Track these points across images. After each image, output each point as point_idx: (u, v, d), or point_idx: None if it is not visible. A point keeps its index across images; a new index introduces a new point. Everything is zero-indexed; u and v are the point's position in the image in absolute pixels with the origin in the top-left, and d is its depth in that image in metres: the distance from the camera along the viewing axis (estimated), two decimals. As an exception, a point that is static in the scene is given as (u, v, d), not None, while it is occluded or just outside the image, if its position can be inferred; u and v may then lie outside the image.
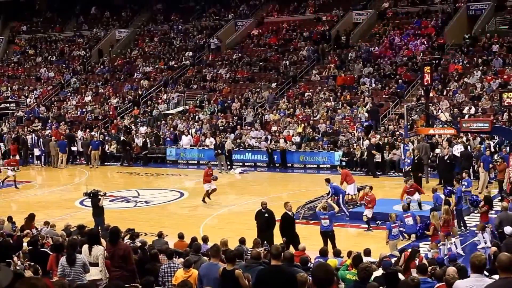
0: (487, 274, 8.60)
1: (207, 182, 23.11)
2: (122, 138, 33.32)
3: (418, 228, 17.59)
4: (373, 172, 26.95)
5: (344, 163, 27.75)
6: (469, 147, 25.36)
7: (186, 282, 8.91)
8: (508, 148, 23.86)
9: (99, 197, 18.91)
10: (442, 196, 18.52)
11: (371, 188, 19.94)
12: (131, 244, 13.07)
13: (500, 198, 20.76)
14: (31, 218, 17.20)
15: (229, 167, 29.84)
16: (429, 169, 25.42)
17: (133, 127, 35.48)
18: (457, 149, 24.83)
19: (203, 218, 21.15)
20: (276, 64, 39.26)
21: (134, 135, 33.65)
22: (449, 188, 18.99)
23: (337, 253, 13.89)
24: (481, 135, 24.72)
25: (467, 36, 36.23)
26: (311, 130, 31.23)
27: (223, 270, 9.18)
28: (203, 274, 9.62)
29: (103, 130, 35.68)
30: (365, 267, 9.07)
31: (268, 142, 30.60)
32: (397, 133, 28.83)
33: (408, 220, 17.62)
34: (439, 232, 16.10)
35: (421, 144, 25.41)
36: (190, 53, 43.02)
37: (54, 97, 43.25)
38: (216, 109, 36.07)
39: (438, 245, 15.65)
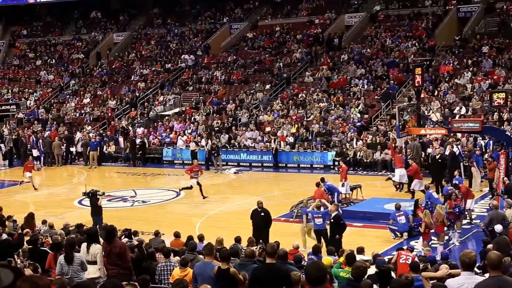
0: (478, 271, 8.86)
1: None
2: (132, 138, 33.66)
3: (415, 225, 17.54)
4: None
5: (338, 161, 28.14)
6: (459, 147, 25.68)
7: (181, 280, 8.99)
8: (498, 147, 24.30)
9: (98, 196, 19.21)
10: (435, 194, 18.81)
11: None
12: (128, 242, 12.98)
13: (490, 196, 21.06)
14: (30, 217, 17.35)
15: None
16: (421, 168, 25.80)
17: (130, 128, 36.11)
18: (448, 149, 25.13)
19: (199, 217, 21.39)
20: (270, 66, 39.75)
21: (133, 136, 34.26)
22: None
23: (330, 252, 13.85)
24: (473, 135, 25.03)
25: (457, 38, 36.74)
26: (304, 130, 31.73)
27: (218, 268, 9.13)
28: (197, 273, 9.53)
29: (101, 131, 36.29)
30: (359, 266, 9.00)
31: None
32: (389, 133, 29.36)
33: (401, 218, 17.86)
34: (431, 231, 16.14)
35: (412, 143, 25.71)
36: (187, 56, 43.56)
37: (54, 99, 43.76)
38: (211, 110, 36.66)
39: (430, 243, 15.78)
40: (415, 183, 22.01)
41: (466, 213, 18.64)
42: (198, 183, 24.00)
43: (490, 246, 12.61)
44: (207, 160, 30.74)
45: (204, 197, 23.83)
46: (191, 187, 24.09)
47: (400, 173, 23.01)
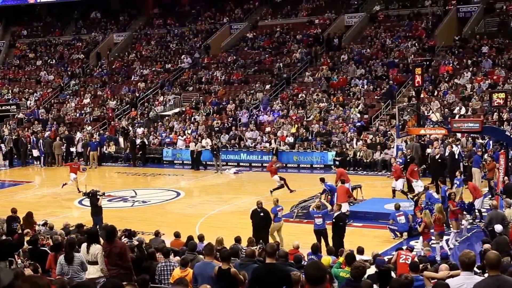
0: (477, 271, 8.89)
1: None
2: (132, 138, 33.67)
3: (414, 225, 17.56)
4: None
5: (337, 163, 28.17)
6: (459, 147, 25.67)
7: (182, 280, 9.05)
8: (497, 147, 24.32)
9: (98, 196, 19.26)
10: (435, 195, 18.80)
11: None
12: (128, 242, 13.09)
13: (490, 196, 21.03)
14: (29, 216, 17.38)
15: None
16: (420, 168, 25.76)
17: (130, 128, 36.13)
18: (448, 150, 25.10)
19: (199, 217, 21.41)
20: (270, 66, 39.74)
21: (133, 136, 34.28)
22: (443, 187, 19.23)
23: (330, 251, 13.98)
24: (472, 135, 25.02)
25: (457, 38, 36.74)
26: (304, 130, 31.72)
27: (219, 269, 9.20)
28: (197, 273, 9.59)
29: (101, 131, 36.31)
30: (358, 266, 8.99)
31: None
32: (389, 133, 29.38)
33: (401, 218, 17.94)
34: (431, 231, 16.20)
35: (412, 143, 25.73)
36: (185, 58, 43.50)
37: (54, 99, 43.76)
38: (211, 110, 36.67)
39: (430, 243, 15.80)
40: (400, 182, 22.26)
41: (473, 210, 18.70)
42: (281, 178, 23.82)
43: (487, 246, 12.64)
44: (195, 160, 30.87)
45: (290, 191, 23.33)
46: (281, 186, 23.59)
47: (421, 185, 21.85)
